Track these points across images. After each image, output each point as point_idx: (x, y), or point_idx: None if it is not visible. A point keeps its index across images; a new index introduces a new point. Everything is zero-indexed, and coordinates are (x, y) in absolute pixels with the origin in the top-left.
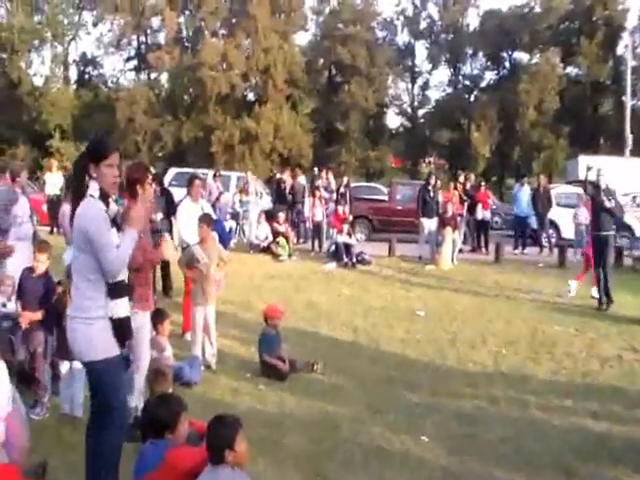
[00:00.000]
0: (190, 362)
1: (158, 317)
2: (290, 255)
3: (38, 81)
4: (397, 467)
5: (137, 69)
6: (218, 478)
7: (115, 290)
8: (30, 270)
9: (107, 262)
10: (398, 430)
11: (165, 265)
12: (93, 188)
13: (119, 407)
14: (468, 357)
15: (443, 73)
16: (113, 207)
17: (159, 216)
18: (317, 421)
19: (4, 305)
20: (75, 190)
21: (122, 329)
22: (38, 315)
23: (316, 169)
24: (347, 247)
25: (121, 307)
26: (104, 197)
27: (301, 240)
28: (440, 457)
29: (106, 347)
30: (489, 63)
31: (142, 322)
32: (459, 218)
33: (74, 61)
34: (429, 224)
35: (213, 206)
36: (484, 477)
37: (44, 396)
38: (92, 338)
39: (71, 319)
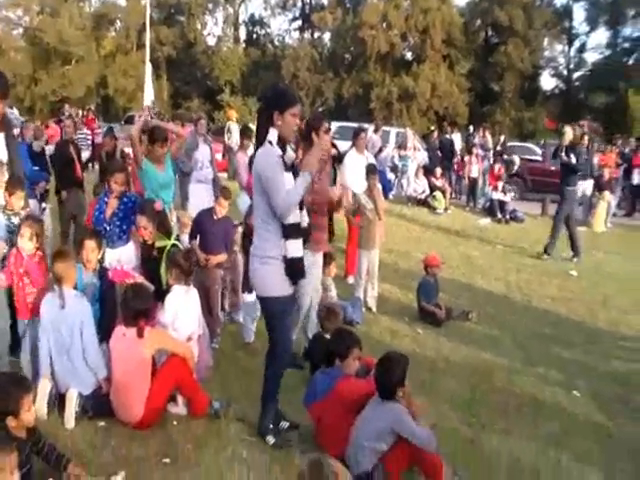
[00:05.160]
0: (352, 303)
1: (326, 259)
2: (446, 209)
3: (211, 41)
4: (549, 417)
5: (301, 29)
6: (391, 412)
7: (289, 231)
8: (210, 212)
9: (276, 203)
10: (550, 383)
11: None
12: (272, 135)
13: (280, 341)
14: (621, 320)
15: (601, 35)
16: (290, 153)
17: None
18: (472, 367)
19: (178, 238)
20: (258, 136)
21: (294, 268)
22: (223, 257)
23: (472, 127)
24: (501, 204)
25: (294, 248)
26: (282, 143)
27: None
28: (591, 414)
29: (277, 286)
30: None
31: (314, 261)
32: (614, 182)
33: (243, 22)
34: (583, 186)
35: (374, 159)
36: (636, 439)
37: (219, 327)
38: (266, 276)
39: (251, 257)
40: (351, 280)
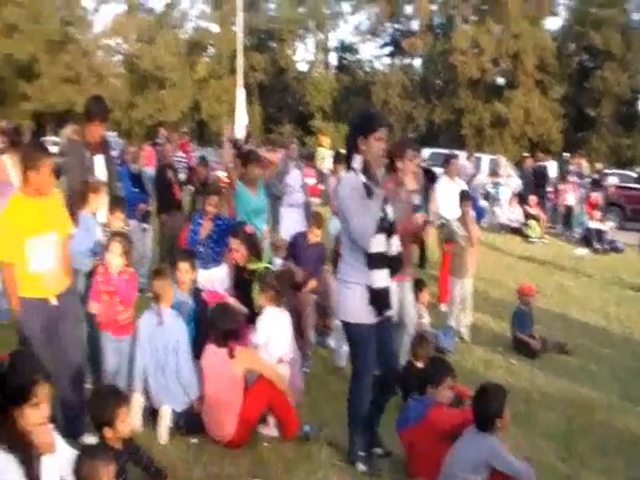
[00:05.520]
0: (445, 331)
1: (418, 286)
2: (541, 237)
3: (302, 67)
4: None
5: (392, 55)
6: (487, 444)
7: (374, 260)
8: (304, 237)
9: (352, 227)
10: None
11: (421, 238)
12: (356, 162)
13: (361, 368)
14: None
15: None
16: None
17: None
18: (569, 401)
19: (270, 262)
20: (347, 163)
21: (378, 299)
22: (314, 283)
23: (566, 154)
24: (599, 233)
25: (379, 277)
26: (367, 170)
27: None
28: None
29: (357, 313)
30: None
31: (406, 291)
32: None
33: (334, 48)
34: None
35: (467, 186)
36: None
37: (310, 350)
38: (346, 301)
39: (337, 280)
40: (444, 308)
